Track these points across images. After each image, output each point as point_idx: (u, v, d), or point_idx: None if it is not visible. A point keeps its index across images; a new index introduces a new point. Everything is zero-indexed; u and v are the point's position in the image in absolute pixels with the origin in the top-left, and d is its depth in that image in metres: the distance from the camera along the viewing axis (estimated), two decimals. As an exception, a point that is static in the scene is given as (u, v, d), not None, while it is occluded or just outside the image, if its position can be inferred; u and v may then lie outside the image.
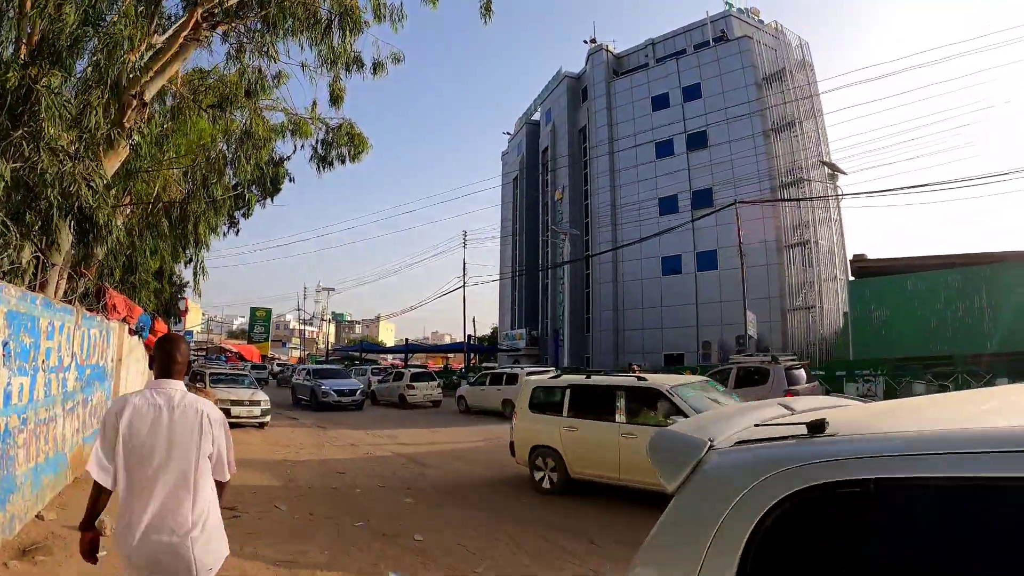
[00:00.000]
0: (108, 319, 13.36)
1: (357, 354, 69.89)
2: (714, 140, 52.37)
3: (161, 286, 24.52)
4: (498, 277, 64.38)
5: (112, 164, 12.58)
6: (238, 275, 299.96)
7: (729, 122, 51.43)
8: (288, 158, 25.15)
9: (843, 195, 34.66)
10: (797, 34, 54.31)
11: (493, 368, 36.65)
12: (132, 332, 16.25)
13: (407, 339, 56.10)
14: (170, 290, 26.00)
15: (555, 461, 11.45)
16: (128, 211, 15.50)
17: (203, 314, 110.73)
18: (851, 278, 32.95)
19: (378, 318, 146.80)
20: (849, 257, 33.57)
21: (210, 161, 16.95)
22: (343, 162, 24.47)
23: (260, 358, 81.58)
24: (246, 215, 36.82)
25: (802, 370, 19.49)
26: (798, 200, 46.01)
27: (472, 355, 63.30)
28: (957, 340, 26.84)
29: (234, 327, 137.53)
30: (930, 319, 28.45)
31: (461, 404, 30.50)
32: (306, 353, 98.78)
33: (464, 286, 49.26)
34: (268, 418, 22.07)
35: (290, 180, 35.31)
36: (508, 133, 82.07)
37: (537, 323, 68.80)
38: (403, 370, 36.35)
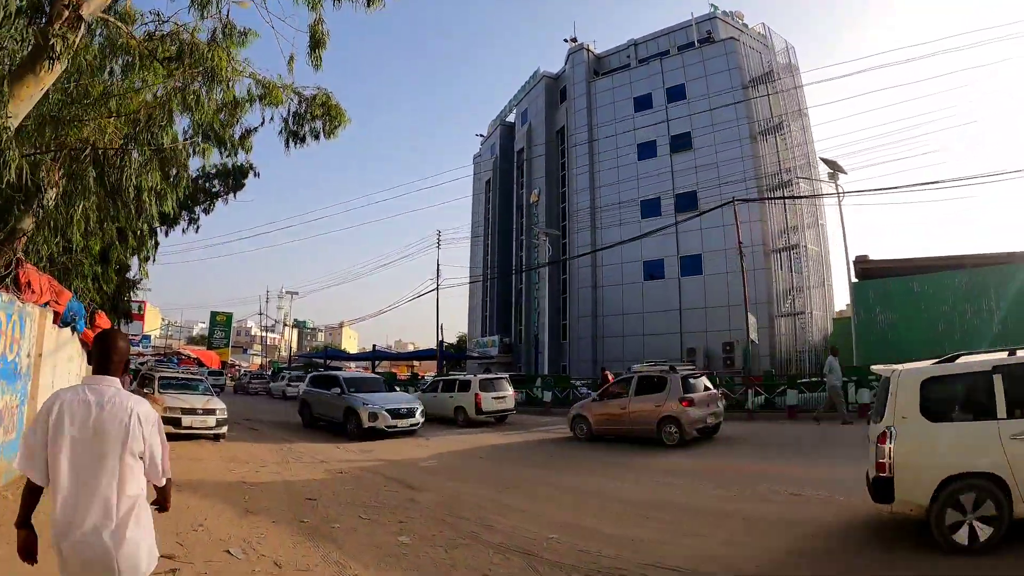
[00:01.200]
0: (22, 301, 10.66)
1: (321, 361, 66.97)
2: (699, 142, 50.60)
3: (105, 273, 21.39)
4: (468, 280, 62.03)
5: (30, 93, 9.63)
6: (199, 279, 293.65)
7: (715, 124, 49.79)
8: (255, 130, 22.15)
9: (845, 192, 32.56)
10: (783, 38, 52.77)
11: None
12: (60, 323, 13.55)
13: (374, 345, 53.38)
14: (116, 280, 22.82)
15: (994, 499, 6.92)
16: (56, 171, 12.48)
17: (163, 319, 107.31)
18: (853, 280, 30.83)
19: (341, 325, 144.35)
20: (851, 259, 31.45)
21: (161, 103, 13.97)
22: (317, 137, 21.73)
23: (220, 364, 78.86)
24: (208, 210, 34.13)
25: (703, 379, 19.47)
26: (797, 198, 44.20)
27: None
28: (966, 343, 24.92)
29: (194, 333, 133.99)
30: (938, 321, 26.58)
31: None
32: (268, 360, 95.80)
33: (438, 288, 46.80)
34: (225, 429, 19.48)
35: (255, 175, 32.50)
36: (481, 135, 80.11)
37: (510, 330, 66.52)
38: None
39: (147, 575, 3.50)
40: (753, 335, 32.11)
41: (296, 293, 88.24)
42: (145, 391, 20.28)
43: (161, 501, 3.90)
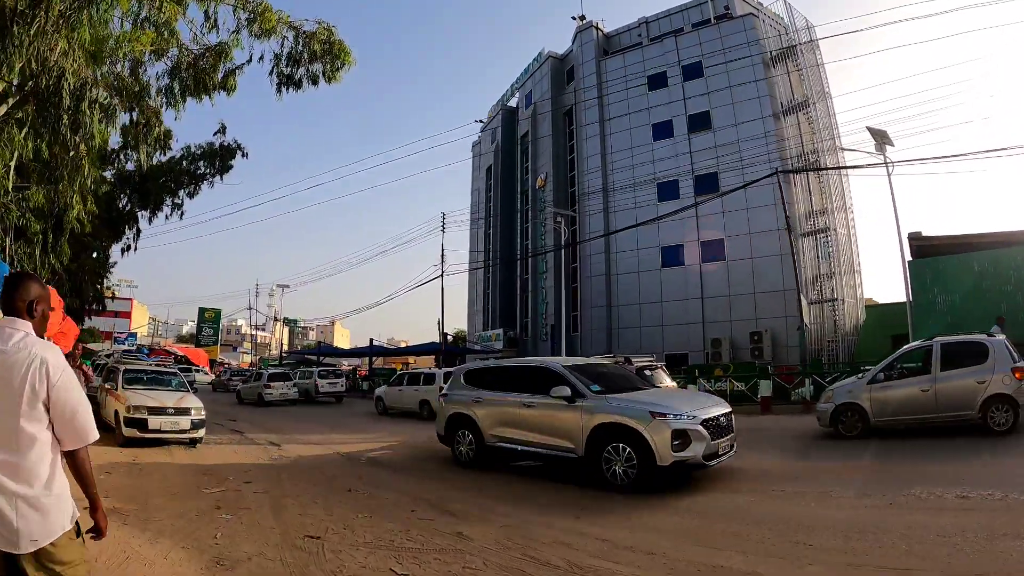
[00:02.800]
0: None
1: (314, 358, 63.49)
2: (719, 121, 47.28)
3: (56, 243, 17.96)
4: (474, 266, 58.53)
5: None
6: (186, 275, 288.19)
7: (735, 103, 46.66)
8: (241, 68, 18.54)
9: (894, 162, 29.23)
10: (804, 15, 49.68)
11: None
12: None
13: (371, 339, 49.87)
14: (71, 255, 19.30)
15: None
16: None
17: (151, 318, 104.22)
18: (909, 258, 27.70)
19: (333, 323, 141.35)
20: (904, 236, 28.33)
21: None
22: (315, 81, 18.38)
23: (208, 362, 75.76)
24: (192, 194, 31.65)
25: (660, 371, 18.86)
26: (847, 168, 40.98)
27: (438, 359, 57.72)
28: (1032, 324, 22.10)
29: (184, 331, 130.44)
30: (1000, 301, 23.63)
31: (379, 405, 29.64)
32: (258, 358, 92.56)
33: (443, 275, 43.32)
34: (202, 432, 16.53)
35: (243, 155, 30.94)
36: (481, 121, 76.37)
37: (515, 323, 63.07)
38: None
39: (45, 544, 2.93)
40: (806, 319, 28.81)
41: (287, 286, 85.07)
42: (108, 386, 17.58)
43: (81, 479, 3.16)
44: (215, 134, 30.71)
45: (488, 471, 12.07)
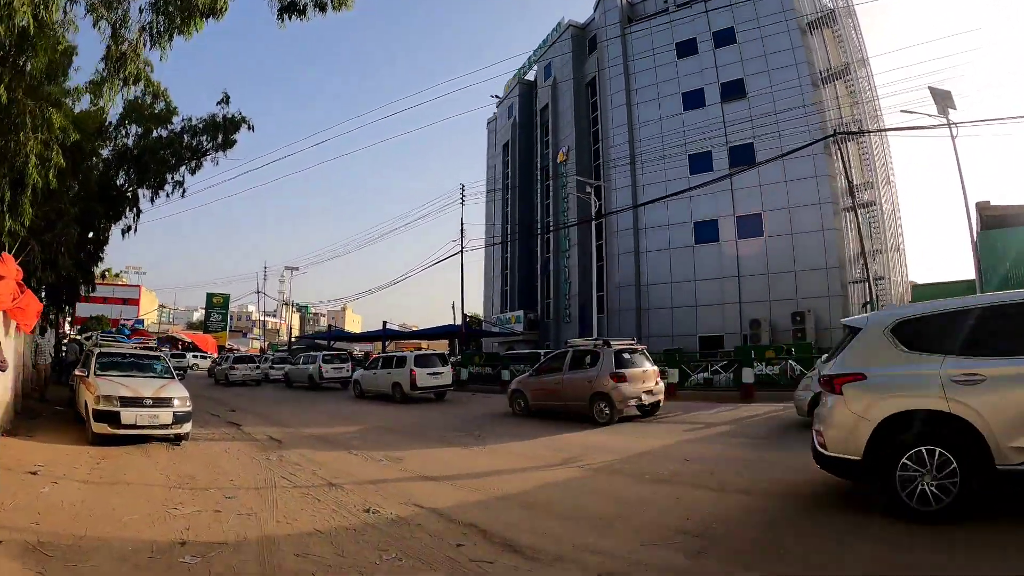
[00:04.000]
0: None
1: (324, 342, 60.94)
2: (753, 90, 44.27)
3: (17, 201, 15.38)
4: (485, 244, 55.72)
5: None
6: (193, 258, 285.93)
7: (770, 70, 43.75)
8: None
9: (959, 123, 26.34)
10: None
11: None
12: None
13: (384, 322, 47.16)
14: (31, 213, 16.57)
15: None
16: None
17: (160, 305, 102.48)
18: (978, 230, 24.92)
19: (344, 308, 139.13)
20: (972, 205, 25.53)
21: None
22: (323, 8, 15.84)
23: (216, 348, 75.26)
24: (194, 170, 30.20)
25: (640, 354, 18.09)
26: (910, 129, 38.07)
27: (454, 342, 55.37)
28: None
29: (194, 319, 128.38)
30: None
31: (356, 388, 29.71)
32: (268, 343, 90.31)
33: (463, 251, 40.50)
34: (187, 427, 13.90)
35: (248, 128, 29.41)
36: (496, 96, 73.65)
37: (535, 305, 60.47)
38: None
39: None
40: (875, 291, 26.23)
41: (296, 268, 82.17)
42: (78, 372, 15.52)
43: None
44: (218, 104, 28.83)
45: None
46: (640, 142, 48.07)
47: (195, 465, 11.24)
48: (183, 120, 29.11)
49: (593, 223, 41.69)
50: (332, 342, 59.50)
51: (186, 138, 29.19)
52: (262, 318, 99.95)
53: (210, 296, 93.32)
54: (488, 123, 75.94)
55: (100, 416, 12.57)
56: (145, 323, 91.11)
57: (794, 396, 15.10)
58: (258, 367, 40.45)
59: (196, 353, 69.25)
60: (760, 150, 41.48)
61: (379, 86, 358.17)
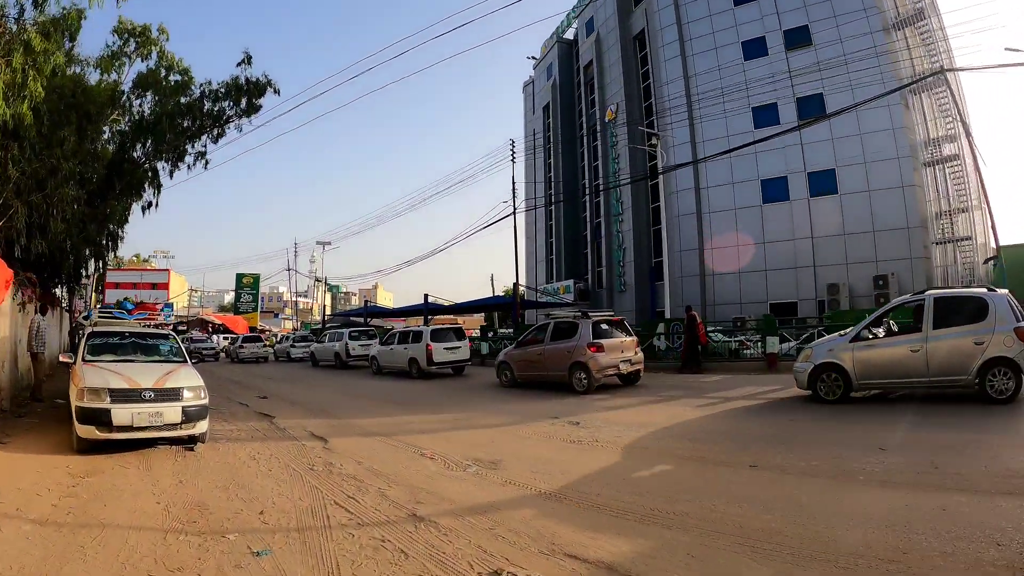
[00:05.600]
0: None
1: (360, 319, 58.29)
2: (820, 37, 40.86)
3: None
4: (534, 207, 52.81)
5: None
6: (221, 236, 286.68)
7: (837, 15, 40.36)
8: None
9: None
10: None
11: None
12: None
13: (426, 295, 44.37)
14: (26, 169, 14.33)
15: None
16: None
17: (189, 288, 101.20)
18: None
19: (376, 286, 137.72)
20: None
21: None
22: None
23: (248, 330, 72.32)
24: (216, 139, 28.29)
25: (618, 326, 19.06)
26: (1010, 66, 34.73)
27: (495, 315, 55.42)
28: None
29: (225, 301, 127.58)
30: None
31: (374, 365, 29.72)
32: (300, 323, 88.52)
33: (514, 212, 37.53)
34: (202, 427, 10.85)
35: (274, 91, 27.71)
36: (533, 58, 71.10)
37: (584, 273, 57.93)
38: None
39: None
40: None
41: (328, 243, 79.80)
42: (64, 358, 12.45)
43: None
44: (238, 65, 26.94)
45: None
46: (697, 96, 44.77)
47: (210, 483, 8.33)
48: (202, 84, 27.44)
49: (650, 183, 38.94)
50: (368, 318, 56.78)
51: (207, 104, 27.37)
52: (294, 298, 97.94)
53: (240, 276, 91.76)
54: (524, 87, 73.79)
55: (85, 416, 9.75)
56: (175, 306, 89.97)
57: (793, 369, 14.53)
58: (264, 345, 45.99)
59: (227, 335, 67.30)
60: (830, 101, 38.22)
61: (403, 57, 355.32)
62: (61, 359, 12.34)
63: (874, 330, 13.21)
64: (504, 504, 7.12)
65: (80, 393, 9.83)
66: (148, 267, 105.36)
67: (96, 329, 12.84)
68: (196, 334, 58.70)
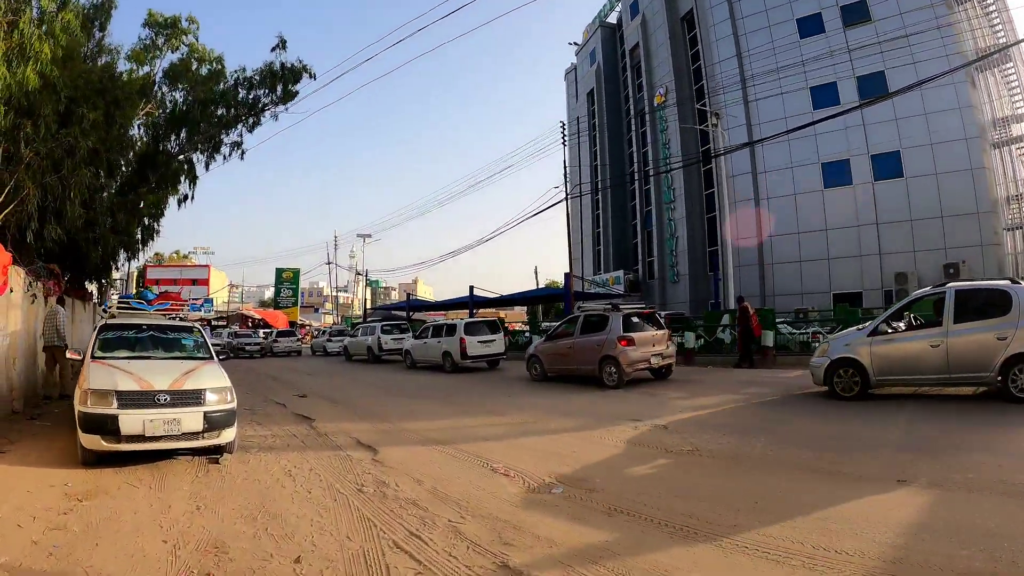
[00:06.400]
0: None
1: (402, 312, 57.35)
2: (879, 11, 39.14)
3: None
4: (581, 194, 51.47)
5: None
6: (261, 231, 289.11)
7: (896, -11, 38.42)
8: None
9: None
10: None
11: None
12: None
13: (471, 287, 43.31)
14: (40, 149, 13.50)
15: None
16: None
17: (229, 284, 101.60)
18: None
19: (415, 280, 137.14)
20: None
21: None
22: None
23: (288, 324, 71.49)
24: (252, 127, 28.09)
25: (649, 318, 18.60)
26: None
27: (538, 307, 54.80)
28: None
29: (266, 297, 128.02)
30: None
31: (407, 359, 29.32)
32: (340, 317, 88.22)
33: (567, 198, 36.20)
34: (230, 435, 9.23)
35: (310, 76, 27.65)
36: (575, 43, 69.94)
37: (633, 264, 56.81)
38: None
39: None
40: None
41: (368, 236, 79.60)
42: (72, 355, 11.12)
43: None
44: (272, 50, 26.91)
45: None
46: (752, 77, 43.27)
47: (234, 511, 6.71)
48: (236, 71, 27.33)
49: (702, 168, 37.54)
50: (410, 312, 55.81)
51: (241, 92, 27.24)
52: (334, 292, 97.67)
53: (279, 271, 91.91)
54: (566, 74, 72.90)
55: (89, 423, 8.36)
56: (215, 302, 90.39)
57: (810, 363, 14.12)
58: (298, 340, 49.01)
59: (267, 330, 67.16)
60: (892, 79, 36.58)
61: (442, 51, 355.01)
62: (69, 356, 10.97)
63: (895, 324, 12.71)
64: (624, 548, 5.38)
65: (83, 396, 8.48)
66: (188, 263, 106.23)
67: (109, 322, 11.45)
68: (240, 329, 57.47)
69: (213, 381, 9.26)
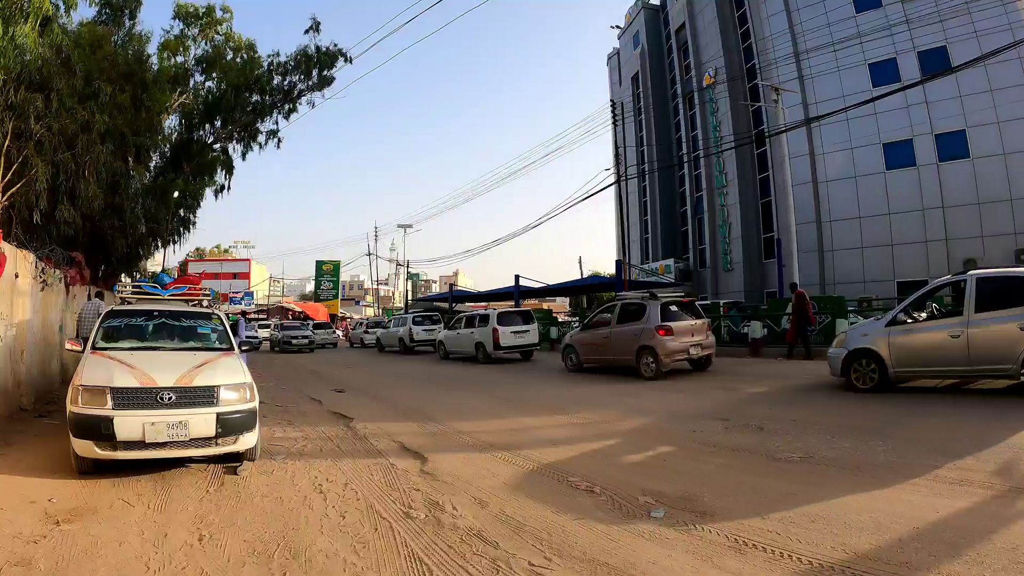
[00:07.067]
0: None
1: (444, 304, 56.53)
2: (938, -19, 37.33)
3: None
4: (633, 175, 50.16)
5: None
6: (299, 223, 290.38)
7: (954, -42, 36.79)
8: None
9: None
10: None
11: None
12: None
13: (517, 276, 42.33)
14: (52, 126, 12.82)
15: None
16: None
17: (270, 277, 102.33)
18: None
19: (456, 272, 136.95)
20: None
21: None
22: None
23: (328, 317, 73.51)
24: (288, 114, 27.88)
25: (688, 307, 18.19)
26: None
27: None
28: None
29: (307, 290, 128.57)
30: None
31: (440, 350, 29.56)
32: (381, 310, 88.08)
33: (619, 180, 34.83)
34: (251, 440, 7.92)
35: (346, 60, 27.44)
36: (617, 27, 68.59)
37: (683, 252, 55.64)
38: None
39: None
40: None
41: (409, 226, 79.45)
42: (72, 346, 9.28)
43: None
44: (306, 32, 26.67)
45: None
46: (806, 53, 41.65)
47: (246, 545, 5.32)
48: (270, 56, 26.93)
49: (756, 151, 36.09)
50: (453, 303, 54.97)
51: (275, 78, 26.83)
52: (375, 285, 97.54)
53: (319, 264, 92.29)
54: (608, 59, 71.72)
55: (80, 425, 7.08)
56: (255, 296, 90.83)
57: (828, 354, 13.71)
58: (334, 331, 48.31)
59: (306, 321, 67.34)
60: (955, 53, 35.00)
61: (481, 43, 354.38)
62: (68, 346, 9.58)
63: (915, 313, 12.23)
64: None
65: (75, 393, 7.23)
66: (229, 257, 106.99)
67: (116, 308, 10.10)
68: (288, 321, 55.74)
69: (230, 376, 7.99)
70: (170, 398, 7.24)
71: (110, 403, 7.06)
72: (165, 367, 7.78)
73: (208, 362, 8.23)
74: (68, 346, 9.22)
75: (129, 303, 10.60)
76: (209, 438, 7.37)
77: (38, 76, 13.03)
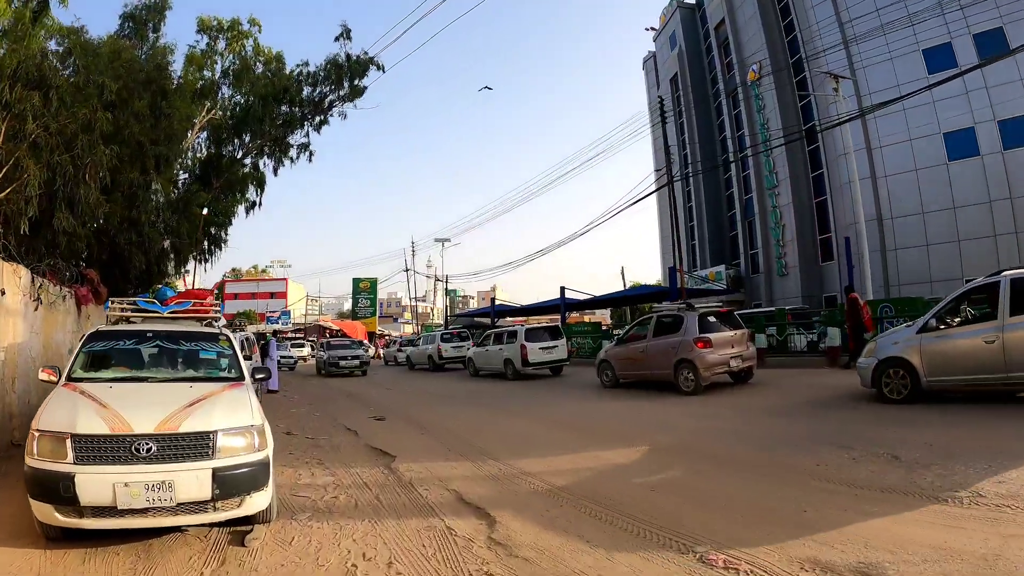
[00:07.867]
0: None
1: (486, 319, 55.52)
2: (990, -41, 36.23)
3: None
4: (707, 167, 48.91)
5: None
6: (337, 241, 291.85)
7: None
8: None
9: None
10: None
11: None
12: None
13: (562, 288, 41.13)
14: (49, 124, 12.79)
15: None
16: None
17: (307, 296, 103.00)
18: None
19: (494, 287, 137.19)
20: None
21: None
22: None
23: (366, 336, 73.36)
24: (319, 126, 27.71)
25: (727, 318, 17.81)
26: None
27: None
28: None
29: (344, 308, 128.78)
30: None
31: (470, 367, 29.71)
32: (420, 326, 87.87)
33: (671, 181, 33.51)
34: (262, 501, 6.09)
35: (379, 69, 27.33)
36: (652, 28, 67.95)
37: (732, 258, 54.20)
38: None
39: None
40: None
41: (447, 240, 79.00)
42: (47, 375, 7.31)
43: None
44: (336, 39, 26.32)
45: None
46: (854, 38, 40.18)
47: None
48: (298, 65, 26.92)
49: (807, 147, 34.56)
50: (495, 318, 53.83)
51: (306, 89, 26.62)
52: (413, 302, 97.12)
53: (356, 281, 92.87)
54: (644, 62, 71.06)
55: (36, 484, 5.50)
56: (292, 315, 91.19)
57: (857, 364, 13.34)
58: (367, 349, 44.26)
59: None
60: (1012, 35, 33.66)
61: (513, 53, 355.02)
62: (42, 376, 7.74)
63: (948, 319, 11.74)
64: None
65: (30, 440, 5.70)
66: (266, 277, 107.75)
67: (102, 328, 8.45)
68: (335, 339, 50.30)
69: (233, 417, 6.24)
70: (149, 449, 5.60)
71: (70, 455, 5.48)
72: (147, 406, 6.16)
73: (206, 397, 6.58)
74: (41, 375, 7.64)
75: (133, 322, 8.92)
76: (203, 502, 5.70)
77: (36, 72, 12.64)
